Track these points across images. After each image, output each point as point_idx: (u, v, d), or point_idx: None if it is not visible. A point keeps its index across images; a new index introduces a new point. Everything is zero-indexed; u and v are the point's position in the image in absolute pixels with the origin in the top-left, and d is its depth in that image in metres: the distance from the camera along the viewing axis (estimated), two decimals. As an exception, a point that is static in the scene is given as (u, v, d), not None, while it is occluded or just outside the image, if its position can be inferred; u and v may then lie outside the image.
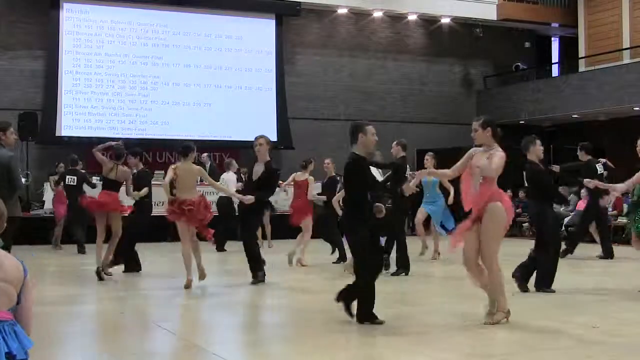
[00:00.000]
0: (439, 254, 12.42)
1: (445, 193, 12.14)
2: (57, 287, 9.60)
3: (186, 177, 9.11)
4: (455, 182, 7.76)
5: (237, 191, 11.67)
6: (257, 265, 9.48)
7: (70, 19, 18.92)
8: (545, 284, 8.50)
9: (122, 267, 10.65)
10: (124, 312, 7.71)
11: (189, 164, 9.18)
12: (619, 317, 7.10)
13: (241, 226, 10.34)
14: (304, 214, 11.69)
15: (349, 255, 8.40)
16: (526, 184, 9.87)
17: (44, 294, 8.60)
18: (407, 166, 10.61)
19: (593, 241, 13.33)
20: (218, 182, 11.84)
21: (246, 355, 5.83)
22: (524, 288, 8.47)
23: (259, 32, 20.62)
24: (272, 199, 10.60)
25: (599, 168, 12.44)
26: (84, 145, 18.77)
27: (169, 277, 10.38)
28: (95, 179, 14.07)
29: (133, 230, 10.57)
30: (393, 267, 10.34)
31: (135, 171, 10.66)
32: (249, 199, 9.21)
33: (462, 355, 5.57)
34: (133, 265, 10.76)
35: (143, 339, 6.50)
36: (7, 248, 7.48)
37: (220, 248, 14.40)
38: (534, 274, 8.52)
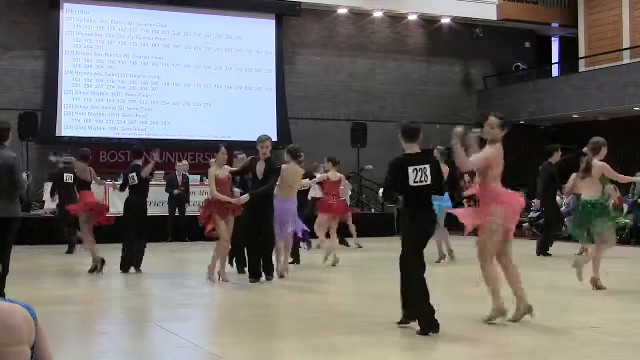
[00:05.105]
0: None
1: None
2: (57, 287, 9.60)
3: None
4: None
5: None
6: (270, 265, 9.65)
7: (70, 19, 18.93)
8: None
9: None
10: (124, 312, 7.71)
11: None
12: (619, 317, 7.09)
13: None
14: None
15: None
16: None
17: (44, 294, 8.61)
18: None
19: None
20: None
21: (246, 355, 5.82)
22: None
23: (259, 32, 20.62)
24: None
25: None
26: (84, 145, 18.82)
27: (169, 277, 10.38)
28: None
29: (125, 230, 10.51)
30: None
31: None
32: (245, 197, 9.31)
33: (461, 355, 5.57)
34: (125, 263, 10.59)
35: (143, 339, 6.51)
36: (7, 248, 7.54)
37: None
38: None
